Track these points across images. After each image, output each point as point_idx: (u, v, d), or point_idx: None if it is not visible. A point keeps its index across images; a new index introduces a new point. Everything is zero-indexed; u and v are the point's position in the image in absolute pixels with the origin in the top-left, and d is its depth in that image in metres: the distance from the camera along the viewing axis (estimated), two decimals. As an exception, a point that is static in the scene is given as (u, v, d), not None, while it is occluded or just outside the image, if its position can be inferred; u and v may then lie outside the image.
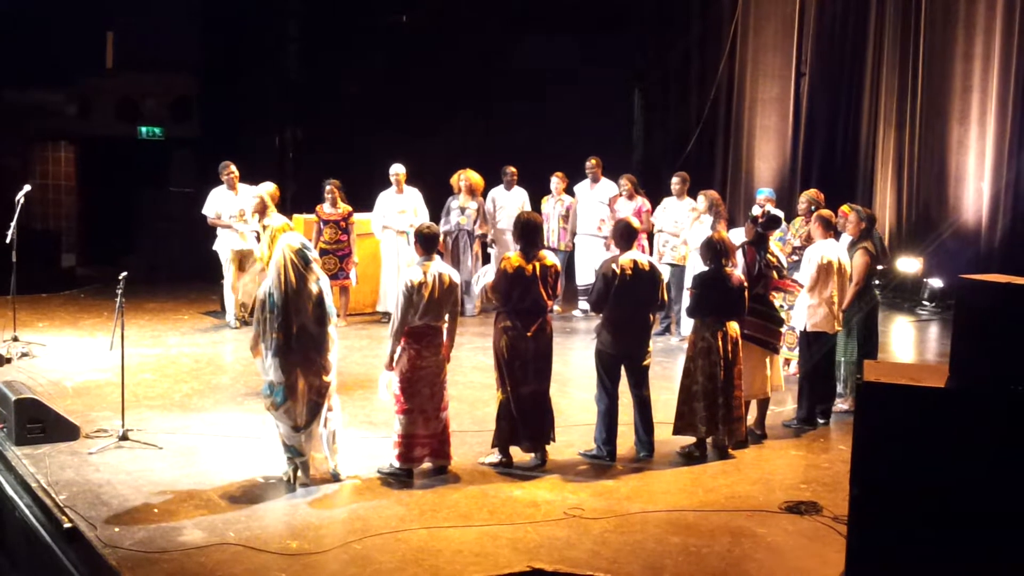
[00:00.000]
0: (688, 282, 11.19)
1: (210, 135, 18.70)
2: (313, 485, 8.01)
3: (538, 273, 8.48)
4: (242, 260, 13.44)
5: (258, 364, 8.12)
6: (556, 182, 14.68)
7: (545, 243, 13.47)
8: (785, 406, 10.15)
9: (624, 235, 8.89)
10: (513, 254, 8.60)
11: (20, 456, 8.47)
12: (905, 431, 5.92)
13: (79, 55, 18.48)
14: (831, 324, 9.69)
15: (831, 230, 9.90)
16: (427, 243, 8.39)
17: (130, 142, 18.83)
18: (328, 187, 13.41)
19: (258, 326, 7.99)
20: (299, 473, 8.03)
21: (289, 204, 15.24)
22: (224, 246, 13.52)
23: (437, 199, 14.58)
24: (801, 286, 9.69)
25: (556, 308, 14.15)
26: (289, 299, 7.87)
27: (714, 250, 8.94)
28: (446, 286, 8.23)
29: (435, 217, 13.73)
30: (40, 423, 8.78)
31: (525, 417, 8.51)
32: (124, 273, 9.22)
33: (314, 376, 7.95)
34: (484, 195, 14.63)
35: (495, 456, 8.59)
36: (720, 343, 8.72)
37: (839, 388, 10.14)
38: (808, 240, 10.67)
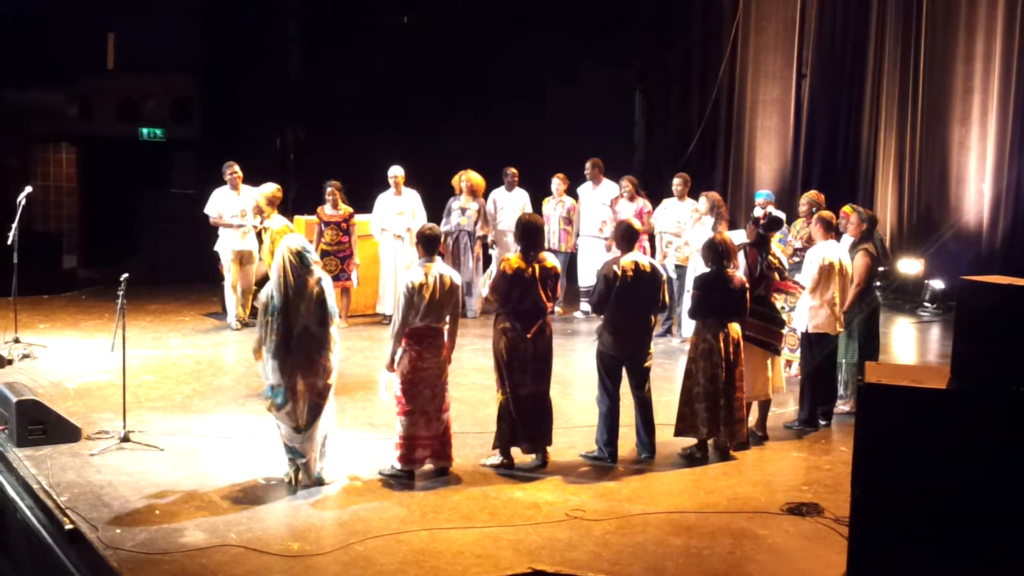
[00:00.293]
0: (689, 284, 11.18)
1: (211, 136, 18.69)
2: (318, 486, 8.00)
3: (538, 275, 8.48)
4: (242, 260, 13.44)
5: (259, 367, 8.12)
6: (557, 183, 14.68)
7: (546, 245, 13.50)
8: (786, 408, 10.15)
9: (625, 236, 8.89)
10: (513, 255, 8.61)
11: (21, 458, 8.47)
12: (906, 433, 5.92)
13: (80, 56, 18.49)
14: (833, 325, 9.69)
15: (832, 231, 9.89)
16: (428, 244, 8.39)
17: (131, 143, 18.83)
18: (329, 188, 13.41)
19: (260, 329, 8.00)
20: (300, 474, 8.03)
21: (290, 205, 15.24)
22: (225, 247, 13.54)
23: (437, 200, 14.59)
24: (803, 288, 9.68)
25: (557, 310, 14.17)
26: (289, 301, 7.87)
27: (716, 251, 8.94)
28: (447, 287, 8.23)
29: (435, 218, 13.72)
30: (41, 424, 8.78)
31: (525, 418, 8.51)
32: (125, 274, 9.22)
33: (315, 377, 7.95)
34: (485, 196, 14.63)
35: (496, 458, 8.59)
36: (722, 344, 8.72)
37: (840, 390, 10.14)
38: (809, 241, 10.67)
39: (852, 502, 6.08)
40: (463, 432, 9.06)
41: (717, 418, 8.76)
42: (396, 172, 13.99)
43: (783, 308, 9.89)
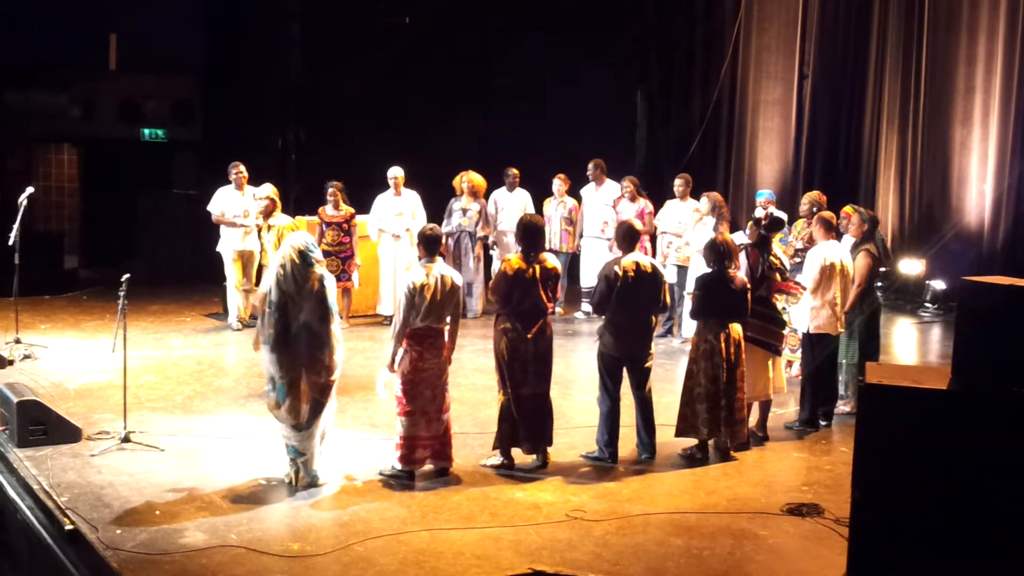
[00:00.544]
0: (691, 284, 11.18)
1: (212, 137, 18.71)
2: (318, 486, 8.00)
3: (538, 275, 8.48)
4: (245, 261, 13.45)
5: (260, 361, 8.15)
6: (558, 184, 14.68)
7: (547, 245, 13.51)
8: (787, 408, 10.15)
9: (626, 237, 8.89)
10: (514, 256, 8.61)
11: (22, 458, 8.47)
12: (907, 433, 5.92)
13: (82, 57, 18.51)
14: (834, 326, 9.69)
15: (832, 231, 9.89)
16: (429, 245, 8.40)
17: (132, 144, 18.84)
18: (330, 189, 13.41)
19: (260, 321, 8.04)
20: (300, 474, 8.03)
21: (291, 206, 15.24)
22: (227, 247, 13.55)
23: (437, 201, 14.59)
24: (804, 288, 9.68)
25: (558, 310, 14.18)
26: (288, 296, 7.89)
27: (717, 252, 8.94)
28: (448, 288, 8.23)
29: (436, 219, 13.72)
30: (42, 425, 8.78)
31: (526, 419, 8.51)
32: (126, 275, 9.22)
33: (316, 375, 7.95)
34: (486, 197, 14.64)
35: (497, 458, 8.59)
36: (723, 345, 8.72)
37: (841, 390, 10.14)
38: (810, 242, 10.66)
39: (852, 503, 6.08)
40: (463, 432, 9.06)
41: (718, 419, 8.76)
42: (396, 173, 13.99)
43: (784, 309, 9.89)
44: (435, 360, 8.27)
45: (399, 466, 8.22)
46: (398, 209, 13.92)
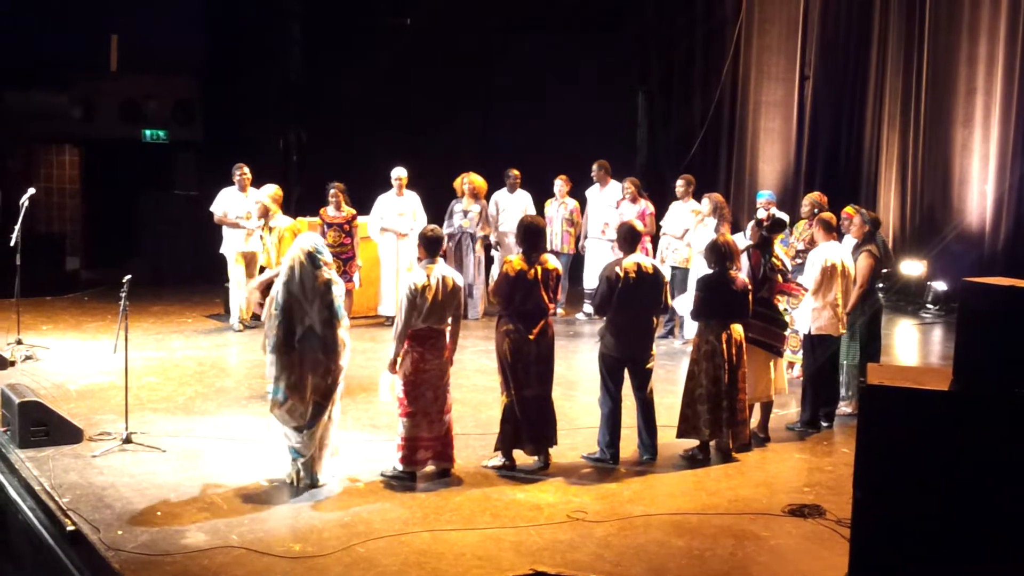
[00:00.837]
0: (692, 285, 11.18)
1: (213, 138, 18.71)
2: (319, 487, 8.00)
3: (539, 276, 8.48)
4: (248, 262, 13.45)
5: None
6: (559, 185, 14.69)
7: (548, 246, 13.51)
8: (788, 409, 10.15)
9: (628, 238, 8.89)
10: (515, 257, 8.61)
11: (24, 459, 8.48)
12: (908, 434, 5.92)
13: (82, 58, 18.49)
14: (835, 327, 9.68)
15: (833, 232, 9.89)
16: (430, 246, 8.40)
17: (134, 145, 18.83)
18: (332, 190, 13.41)
19: (267, 323, 8.05)
20: (302, 475, 8.03)
21: (293, 207, 15.24)
22: (230, 248, 13.56)
23: (437, 201, 14.59)
24: (805, 290, 9.68)
25: (559, 311, 14.18)
26: (293, 298, 7.90)
27: (719, 253, 8.94)
28: (449, 289, 8.23)
29: (437, 220, 13.72)
30: (44, 426, 8.78)
31: (529, 420, 8.51)
32: (128, 276, 9.23)
33: (320, 378, 7.95)
34: (487, 198, 14.64)
35: (498, 459, 8.59)
36: (724, 346, 8.72)
37: (842, 391, 10.14)
38: (812, 243, 10.66)
39: (854, 504, 6.08)
40: (465, 433, 9.07)
41: (719, 419, 8.76)
42: (400, 173, 14.00)
43: (786, 310, 9.89)
44: (437, 361, 8.28)
45: (401, 467, 8.22)
46: (400, 209, 13.92)
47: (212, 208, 13.68)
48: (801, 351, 10.21)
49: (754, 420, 9.39)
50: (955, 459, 5.84)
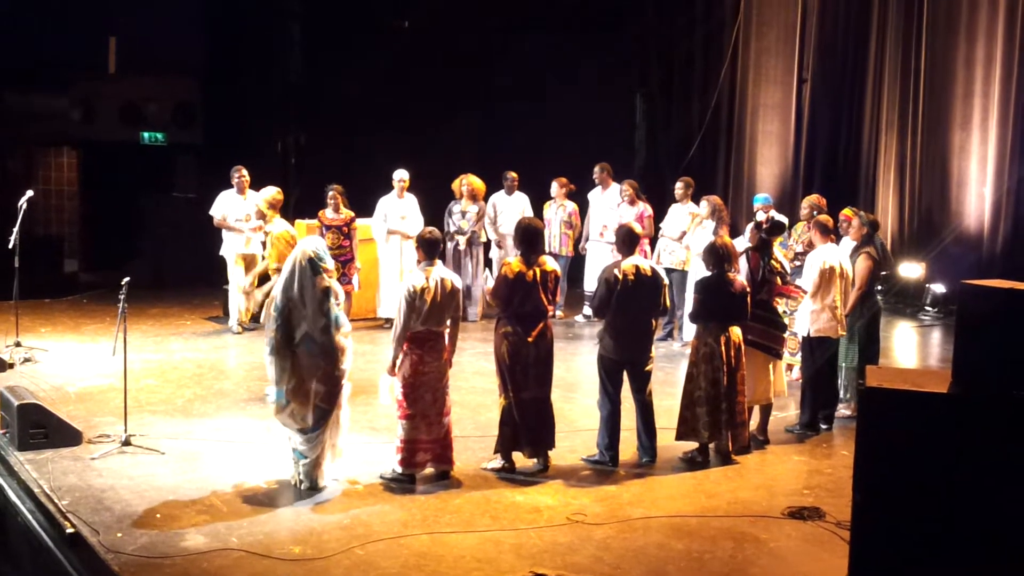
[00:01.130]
0: (690, 287, 11.18)
1: (212, 140, 18.71)
2: (319, 490, 8.00)
3: (538, 278, 8.48)
4: (248, 264, 13.45)
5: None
6: (557, 187, 14.69)
7: (547, 248, 13.50)
8: (788, 411, 10.15)
9: (626, 241, 8.89)
10: (514, 259, 8.61)
11: (23, 461, 8.47)
12: (908, 436, 5.91)
13: (81, 60, 18.50)
14: (834, 329, 9.69)
15: (829, 235, 9.89)
16: (429, 248, 8.40)
17: (133, 147, 18.84)
18: (331, 192, 13.40)
19: (267, 326, 8.06)
20: (303, 477, 8.03)
21: (292, 209, 15.25)
22: (230, 250, 13.56)
23: (436, 203, 14.58)
24: (804, 292, 9.68)
25: (558, 313, 14.18)
26: (292, 302, 7.90)
27: (717, 255, 8.95)
28: (448, 291, 8.23)
29: (436, 221, 13.71)
30: (43, 428, 8.78)
31: (527, 423, 8.51)
32: (127, 278, 9.23)
33: (320, 383, 7.94)
34: (485, 200, 14.64)
35: (497, 461, 8.59)
36: (723, 348, 8.72)
37: (841, 393, 10.14)
38: (810, 246, 10.67)
39: (853, 506, 6.07)
40: (464, 436, 9.07)
41: (718, 422, 8.76)
42: (402, 175, 14.00)
43: (785, 312, 9.89)
44: (435, 363, 8.28)
45: (400, 469, 8.22)
46: (402, 212, 13.93)
47: (211, 211, 13.68)
48: (800, 353, 10.22)
49: (753, 422, 9.39)
50: (955, 461, 5.83)
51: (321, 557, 6.86)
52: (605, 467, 8.69)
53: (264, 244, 11.79)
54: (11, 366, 11.26)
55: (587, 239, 14.60)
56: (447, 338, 8.36)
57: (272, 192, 11.82)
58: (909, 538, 5.91)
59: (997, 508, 5.78)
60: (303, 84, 18.61)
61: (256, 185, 12.99)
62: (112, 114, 18.81)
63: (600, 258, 14.11)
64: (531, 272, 8.47)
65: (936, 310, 15.42)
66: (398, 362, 8.24)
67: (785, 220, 10.24)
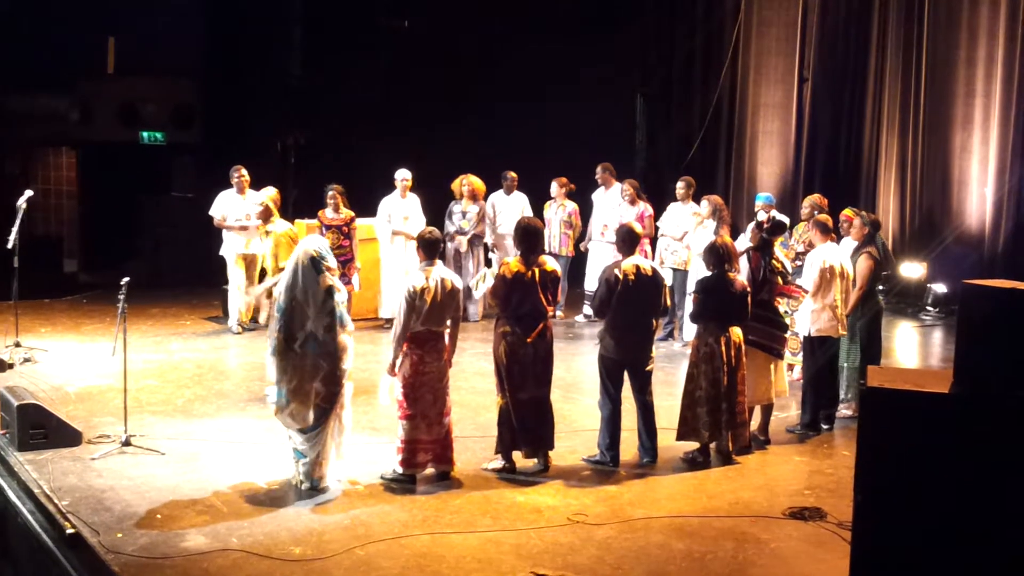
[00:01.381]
0: (691, 287, 11.17)
1: (212, 140, 18.68)
2: (318, 491, 7.99)
3: (537, 279, 8.46)
4: (248, 264, 13.44)
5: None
6: (556, 187, 14.67)
7: (547, 249, 13.48)
8: (788, 411, 10.14)
9: (626, 240, 8.88)
10: (513, 259, 8.60)
11: (22, 462, 8.47)
12: (909, 437, 5.90)
13: (80, 60, 18.46)
14: (835, 329, 9.67)
15: (830, 234, 9.89)
16: (429, 248, 8.39)
17: (131, 147, 18.80)
18: (330, 192, 13.38)
19: (270, 325, 8.06)
20: (303, 477, 8.02)
21: (291, 209, 15.23)
22: (230, 251, 13.55)
23: (436, 204, 14.57)
24: (806, 292, 9.67)
25: (559, 313, 14.16)
26: (295, 303, 7.89)
27: (717, 255, 8.94)
28: (448, 291, 8.22)
29: (437, 222, 13.70)
30: (42, 429, 8.77)
31: (525, 423, 8.50)
32: (126, 279, 9.22)
33: (322, 383, 7.93)
34: (484, 200, 14.63)
35: (498, 462, 8.58)
36: (723, 348, 8.71)
37: (842, 394, 10.12)
38: (811, 245, 10.66)
39: (854, 507, 6.06)
40: (464, 436, 9.06)
41: (719, 422, 8.75)
42: (405, 175, 13.99)
43: (786, 312, 9.88)
44: (436, 364, 8.27)
45: (400, 470, 8.21)
46: (405, 212, 13.91)
47: (211, 212, 13.67)
48: (801, 353, 10.20)
49: (754, 422, 9.39)
50: (956, 461, 5.82)
51: (321, 558, 6.85)
52: (606, 467, 8.68)
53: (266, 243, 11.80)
54: (11, 366, 11.26)
55: (589, 239, 14.58)
56: (447, 338, 8.35)
57: (274, 191, 11.84)
58: (911, 539, 5.90)
59: (999, 509, 5.77)
60: (303, 84, 18.58)
61: (256, 185, 12.99)
62: (111, 114, 18.75)
63: (601, 258, 14.10)
64: (530, 272, 8.45)
65: (937, 310, 15.41)
66: (398, 362, 8.23)
67: (786, 220, 10.24)
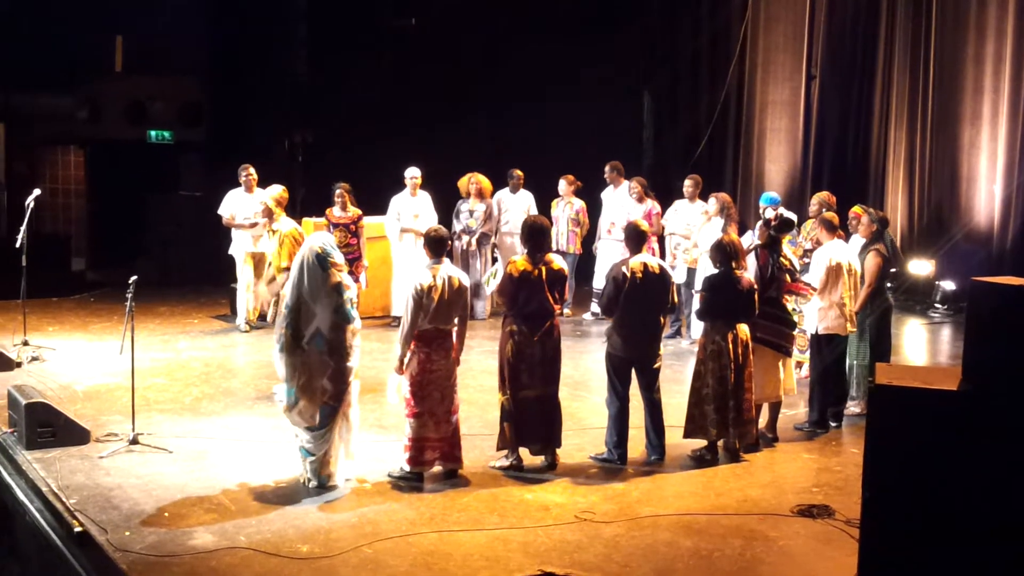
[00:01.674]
0: (698, 285, 11.15)
1: (219, 139, 18.70)
2: (326, 489, 7.99)
3: (544, 277, 8.46)
4: (257, 263, 13.45)
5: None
6: (564, 185, 14.66)
7: (555, 246, 13.49)
8: (797, 409, 10.12)
9: (634, 238, 8.87)
10: (519, 257, 8.59)
11: (31, 460, 8.48)
12: (917, 434, 5.89)
13: (88, 59, 18.49)
14: (842, 326, 9.65)
15: (836, 231, 9.87)
16: (436, 246, 8.38)
17: (139, 146, 18.84)
18: (338, 191, 13.38)
19: (278, 322, 8.06)
20: (310, 475, 8.02)
21: (298, 207, 15.24)
22: (239, 249, 13.56)
23: (442, 202, 14.56)
24: (814, 289, 9.64)
25: (566, 311, 14.14)
26: (302, 299, 7.89)
27: (724, 252, 8.92)
28: (455, 289, 8.22)
29: (445, 220, 13.71)
30: (50, 427, 8.79)
31: (528, 420, 8.49)
32: (134, 277, 9.22)
33: (329, 381, 7.93)
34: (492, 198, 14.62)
35: (505, 459, 8.57)
36: (730, 346, 8.70)
37: (851, 391, 10.11)
38: (819, 243, 10.63)
39: (863, 504, 6.05)
40: (472, 434, 9.05)
41: (726, 420, 8.74)
42: (414, 173, 13.98)
43: (794, 309, 9.86)
44: (443, 361, 8.27)
45: (408, 468, 8.21)
46: (415, 210, 13.90)
47: (220, 211, 13.68)
48: (809, 351, 10.18)
49: (762, 420, 9.37)
50: (965, 459, 5.81)
51: (329, 556, 6.85)
52: (614, 465, 8.67)
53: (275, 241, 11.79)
54: (19, 365, 11.28)
55: (599, 237, 14.55)
56: (455, 336, 8.35)
57: (279, 190, 11.82)
58: (919, 536, 5.89)
59: (1007, 506, 5.76)
60: (309, 83, 18.59)
61: (263, 184, 12.99)
62: (118, 113, 18.79)
63: (609, 255, 14.09)
64: (537, 270, 8.44)
65: (946, 307, 15.37)
66: (406, 360, 8.23)
67: (794, 217, 10.21)
